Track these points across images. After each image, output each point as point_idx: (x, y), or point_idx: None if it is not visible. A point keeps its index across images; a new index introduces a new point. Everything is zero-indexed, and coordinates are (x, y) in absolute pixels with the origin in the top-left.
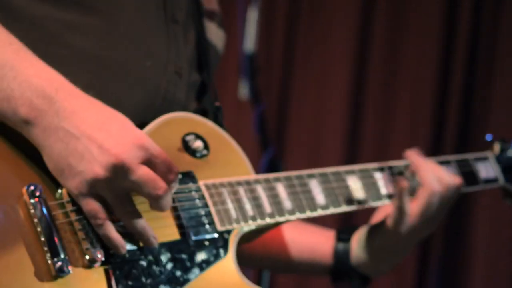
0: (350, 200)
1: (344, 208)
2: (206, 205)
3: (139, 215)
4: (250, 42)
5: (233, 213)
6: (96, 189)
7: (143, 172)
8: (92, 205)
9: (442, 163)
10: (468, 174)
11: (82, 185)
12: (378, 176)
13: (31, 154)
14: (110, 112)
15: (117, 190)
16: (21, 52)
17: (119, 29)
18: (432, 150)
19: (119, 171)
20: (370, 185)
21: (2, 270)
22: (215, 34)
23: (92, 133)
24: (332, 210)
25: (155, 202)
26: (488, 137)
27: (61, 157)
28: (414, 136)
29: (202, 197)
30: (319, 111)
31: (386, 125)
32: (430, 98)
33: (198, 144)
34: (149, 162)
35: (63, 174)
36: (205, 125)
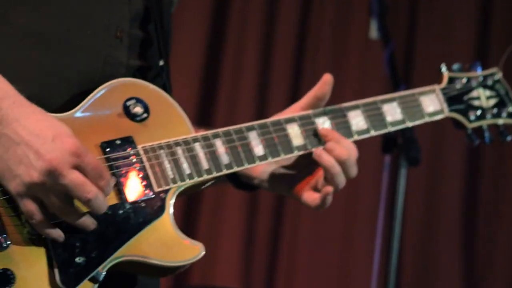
0: (289, 148)
1: (283, 156)
2: (144, 169)
3: (74, 211)
4: None
5: (170, 173)
6: (33, 191)
7: (73, 177)
8: (28, 206)
9: (384, 101)
10: (413, 109)
11: (20, 187)
12: (320, 121)
13: None
14: (49, 121)
15: (52, 193)
16: None
17: (59, 3)
18: None
19: (51, 175)
20: (310, 131)
21: None
22: None
23: (30, 139)
24: (270, 160)
25: (87, 205)
26: (442, 67)
27: (2, 160)
28: None
29: (140, 161)
30: (444, 51)
31: None
32: None
33: (137, 108)
34: (81, 168)
35: (4, 176)
36: (146, 88)
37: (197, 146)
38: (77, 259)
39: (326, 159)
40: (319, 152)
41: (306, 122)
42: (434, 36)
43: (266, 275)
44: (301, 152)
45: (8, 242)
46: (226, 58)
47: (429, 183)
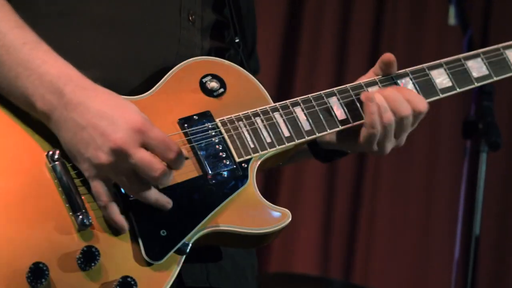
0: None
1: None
2: (223, 141)
3: (148, 190)
4: None
5: (250, 143)
6: (103, 172)
7: (140, 155)
8: (97, 187)
9: (468, 57)
10: (499, 63)
11: (90, 169)
12: (403, 82)
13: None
14: (113, 101)
15: (122, 173)
16: (33, 51)
17: None
18: None
19: (119, 155)
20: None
21: (34, 229)
22: None
23: (96, 122)
24: (351, 124)
25: (155, 182)
26: None
27: (72, 144)
28: None
29: (219, 133)
30: None
31: None
32: None
33: (213, 84)
34: (147, 143)
35: (75, 159)
36: (221, 64)
37: (277, 115)
38: (161, 232)
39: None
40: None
41: (388, 84)
42: (509, 23)
43: (344, 261)
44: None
45: (90, 220)
46: (302, 57)
47: (508, 167)
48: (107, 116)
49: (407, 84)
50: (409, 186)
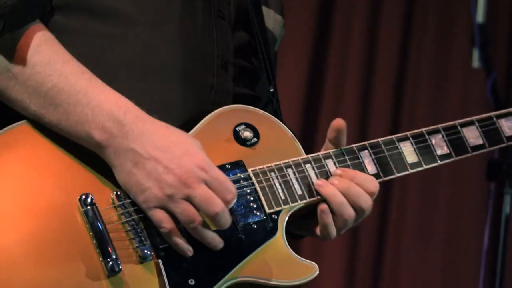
0: (403, 166)
1: (396, 175)
2: (254, 191)
3: (205, 227)
4: (480, 11)
5: (281, 194)
6: (163, 203)
7: (202, 191)
8: (158, 215)
9: (464, 125)
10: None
11: (149, 199)
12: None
13: (90, 161)
14: (175, 136)
15: (182, 205)
16: (92, 80)
17: (162, 34)
18: None
19: (181, 188)
20: (423, 149)
21: (64, 273)
22: (272, 20)
23: (158, 155)
24: (384, 179)
25: (213, 220)
26: None
27: (131, 175)
28: None
29: (251, 184)
30: None
31: None
32: None
33: (247, 133)
34: (208, 182)
35: (131, 190)
36: (255, 113)
37: (308, 167)
38: (190, 281)
39: (327, 189)
40: (320, 183)
41: (419, 141)
42: None
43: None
44: (416, 170)
45: (120, 267)
46: (327, 92)
47: None
48: (170, 151)
49: (440, 142)
50: (433, 228)
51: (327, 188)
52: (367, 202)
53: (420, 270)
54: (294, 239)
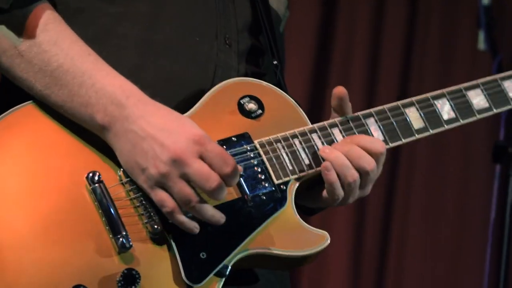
0: (409, 132)
1: (404, 141)
2: (262, 162)
3: (204, 204)
4: None
5: (288, 164)
6: (161, 182)
7: (197, 166)
8: (159, 195)
9: (468, 88)
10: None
11: (148, 179)
12: (440, 103)
13: (94, 141)
14: (172, 115)
15: (179, 183)
16: (98, 63)
17: (165, 12)
18: None
19: (176, 164)
20: (430, 113)
21: (74, 251)
22: (276, 0)
23: (155, 133)
24: (391, 145)
25: (209, 194)
26: None
27: (130, 156)
28: None
29: (258, 155)
30: None
31: None
32: None
33: (252, 105)
34: (205, 156)
35: (133, 171)
36: (259, 85)
37: (315, 136)
38: (201, 254)
39: (328, 152)
40: (323, 148)
41: (425, 105)
42: None
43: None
44: (422, 135)
45: (131, 243)
46: (332, 81)
47: None
48: (167, 129)
49: (444, 105)
50: (441, 208)
51: (329, 151)
52: (370, 163)
53: (427, 251)
54: (307, 215)
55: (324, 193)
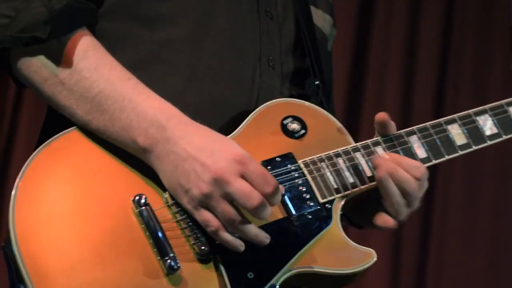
0: (452, 148)
1: (446, 158)
2: (306, 182)
3: (247, 224)
4: None
5: (333, 183)
6: (204, 203)
7: (239, 185)
8: (203, 216)
9: (510, 104)
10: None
11: (192, 200)
12: (482, 119)
13: (139, 164)
14: (213, 135)
15: (222, 203)
16: (138, 86)
17: (208, 36)
18: None
19: (218, 184)
20: (473, 129)
21: (122, 274)
22: (321, 19)
23: (196, 154)
24: (434, 162)
25: (252, 213)
26: None
27: (173, 177)
28: None
29: (302, 175)
30: None
31: None
32: None
33: (295, 125)
34: (246, 175)
35: (176, 192)
36: (302, 106)
37: (358, 155)
38: (249, 274)
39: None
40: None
41: (467, 122)
42: None
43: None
44: (465, 151)
45: (179, 264)
46: (367, 98)
47: None
48: (208, 149)
49: (486, 120)
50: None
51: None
52: (411, 185)
53: (465, 251)
54: (357, 227)
55: (378, 216)
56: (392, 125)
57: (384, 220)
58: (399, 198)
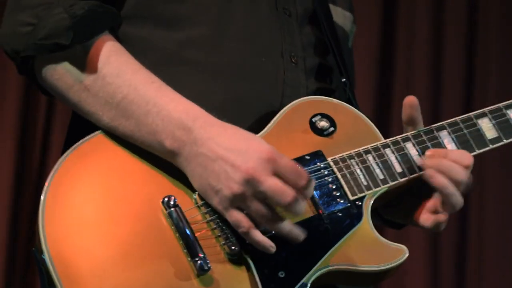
0: (483, 142)
1: (478, 151)
2: (336, 179)
3: (281, 220)
4: None
5: (363, 180)
6: (236, 203)
7: (271, 183)
8: (234, 216)
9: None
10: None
11: (223, 201)
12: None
13: (166, 166)
14: (241, 134)
15: (254, 202)
16: (161, 89)
17: (228, 34)
18: None
19: (250, 184)
20: (503, 123)
21: (153, 276)
22: (341, 16)
23: (224, 154)
24: None
25: (287, 209)
26: None
27: (203, 179)
28: None
29: (331, 173)
30: None
31: None
32: None
33: (323, 123)
34: (278, 172)
35: (206, 193)
36: (330, 103)
37: (388, 151)
38: (280, 274)
39: (439, 180)
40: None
41: (497, 115)
42: None
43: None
44: (496, 145)
45: (209, 265)
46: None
47: None
48: (236, 149)
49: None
50: None
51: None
52: (461, 173)
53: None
54: (389, 226)
55: (439, 204)
56: (420, 116)
57: (426, 219)
58: (452, 189)
